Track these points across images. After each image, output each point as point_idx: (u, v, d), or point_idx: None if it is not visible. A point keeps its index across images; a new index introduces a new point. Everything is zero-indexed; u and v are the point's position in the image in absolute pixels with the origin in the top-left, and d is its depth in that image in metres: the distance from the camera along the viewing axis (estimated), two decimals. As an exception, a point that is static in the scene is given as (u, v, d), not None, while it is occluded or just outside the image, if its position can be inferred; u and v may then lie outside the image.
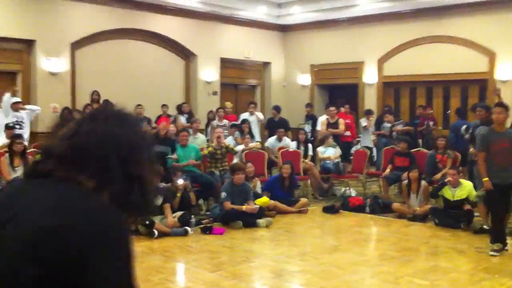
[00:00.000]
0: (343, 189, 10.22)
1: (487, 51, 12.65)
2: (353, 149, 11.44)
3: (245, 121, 11.67)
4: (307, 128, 12.12)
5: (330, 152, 10.38)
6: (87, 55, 12.12)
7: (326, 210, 8.74)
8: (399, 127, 11.39)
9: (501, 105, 6.45)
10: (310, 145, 10.75)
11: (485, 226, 7.22)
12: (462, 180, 7.75)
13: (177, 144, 8.92)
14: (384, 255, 6.56)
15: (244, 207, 7.63)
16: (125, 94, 11.60)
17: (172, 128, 9.71)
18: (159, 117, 11.56)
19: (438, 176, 8.83)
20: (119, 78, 12.43)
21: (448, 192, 7.73)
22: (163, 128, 9.22)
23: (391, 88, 14.81)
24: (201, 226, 7.30)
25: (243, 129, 11.09)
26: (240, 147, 10.12)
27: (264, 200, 8.15)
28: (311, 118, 12.46)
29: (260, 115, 12.57)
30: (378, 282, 5.43)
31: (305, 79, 15.81)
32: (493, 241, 6.31)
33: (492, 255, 6.20)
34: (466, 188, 7.64)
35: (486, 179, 6.25)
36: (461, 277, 5.69)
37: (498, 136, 6.23)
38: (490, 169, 6.25)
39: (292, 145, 10.68)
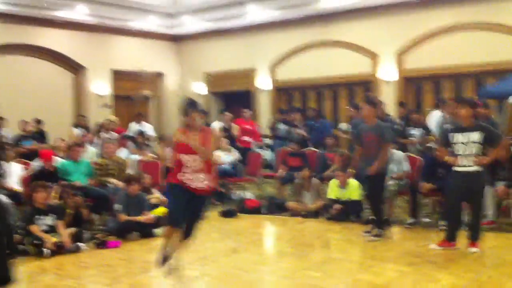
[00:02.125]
0: (239, 192, 10.36)
1: (371, 54, 13.40)
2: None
3: (140, 132, 11.55)
4: None
5: (225, 157, 10.47)
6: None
7: (224, 214, 8.83)
8: (299, 130, 11.73)
9: (368, 102, 7.05)
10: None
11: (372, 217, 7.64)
12: (350, 180, 8.14)
13: (66, 160, 8.61)
14: (281, 252, 6.76)
15: (140, 218, 7.51)
16: (15, 109, 11.13)
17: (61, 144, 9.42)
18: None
19: (329, 173, 9.21)
20: (9, 93, 11.89)
21: (336, 192, 8.11)
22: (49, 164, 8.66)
23: (283, 93, 15.25)
24: (96, 241, 7.10)
25: (136, 140, 10.95)
26: (134, 158, 9.97)
27: (161, 210, 8.07)
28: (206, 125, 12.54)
29: (149, 127, 12.55)
30: (276, 278, 5.59)
31: (200, 87, 15.88)
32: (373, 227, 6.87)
33: (370, 240, 6.69)
34: (353, 188, 8.05)
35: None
36: (352, 266, 5.99)
37: (368, 130, 6.77)
38: (361, 160, 6.80)
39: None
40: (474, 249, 5.94)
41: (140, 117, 12.81)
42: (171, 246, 5.19)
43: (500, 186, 7.03)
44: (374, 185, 6.79)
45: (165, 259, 5.24)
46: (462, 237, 6.18)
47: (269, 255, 6.96)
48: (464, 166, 5.92)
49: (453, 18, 12.23)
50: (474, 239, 6.02)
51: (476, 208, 6.10)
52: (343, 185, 8.09)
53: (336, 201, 8.09)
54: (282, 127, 12.11)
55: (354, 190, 8.03)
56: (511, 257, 5.82)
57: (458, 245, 6.16)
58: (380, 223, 6.91)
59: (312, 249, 6.76)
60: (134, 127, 12.36)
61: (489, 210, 7.10)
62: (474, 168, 5.88)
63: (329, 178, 8.72)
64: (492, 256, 5.88)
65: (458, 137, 5.95)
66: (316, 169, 9.28)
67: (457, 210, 6.22)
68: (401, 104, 11.31)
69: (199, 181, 5.06)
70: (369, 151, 6.75)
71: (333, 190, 8.21)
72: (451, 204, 6.22)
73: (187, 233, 5.27)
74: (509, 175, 7.11)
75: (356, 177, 7.10)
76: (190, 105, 5.15)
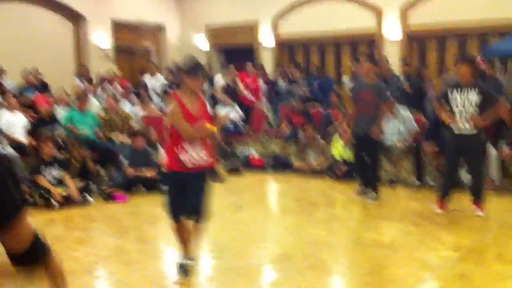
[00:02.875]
0: (244, 149, 10.38)
1: (375, 9, 13.18)
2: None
3: (143, 86, 11.45)
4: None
5: (226, 111, 10.40)
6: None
7: (229, 170, 8.88)
8: (304, 89, 11.63)
9: (368, 58, 6.99)
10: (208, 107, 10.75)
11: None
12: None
13: (72, 110, 8.57)
14: (285, 209, 6.85)
15: (147, 173, 7.56)
16: (15, 59, 10.98)
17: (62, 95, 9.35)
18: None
19: (332, 129, 9.19)
20: (8, 43, 11.68)
21: (341, 151, 8.14)
22: (46, 111, 8.60)
23: (286, 48, 15.07)
24: (103, 194, 7.16)
25: (141, 94, 10.85)
26: (138, 112, 9.93)
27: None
28: (208, 79, 12.42)
29: (161, 78, 12.31)
30: (280, 234, 5.67)
31: (202, 41, 15.67)
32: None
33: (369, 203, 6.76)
34: None
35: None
36: (357, 224, 6.08)
37: (366, 87, 6.72)
38: (357, 118, 6.76)
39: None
40: (479, 212, 5.98)
41: (154, 68, 12.52)
42: (183, 241, 4.48)
43: (506, 148, 7.04)
44: (372, 145, 6.73)
45: (182, 266, 4.44)
46: (466, 200, 6.25)
47: (273, 211, 7.04)
48: (462, 128, 5.88)
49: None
50: (478, 200, 6.05)
51: (476, 169, 6.10)
52: (347, 144, 8.09)
53: (342, 161, 8.11)
54: (281, 83, 12.02)
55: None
56: (516, 220, 5.91)
57: (461, 207, 6.24)
58: (376, 185, 6.88)
59: (317, 207, 6.83)
60: (148, 79, 12.08)
61: (495, 173, 7.14)
62: (471, 130, 5.85)
63: (333, 134, 8.71)
64: (497, 218, 5.96)
65: (457, 96, 5.88)
66: (321, 127, 9.29)
67: (452, 169, 6.21)
68: (404, 61, 11.20)
69: (199, 156, 4.28)
70: (366, 110, 6.66)
71: (337, 149, 8.23)
72: (449, 163, 6.21)
73: (194, 217, 4.42)
74: (514, 137, 7.12)
75: (352, 135, 6.99)
76: (196, 67, 4.23)
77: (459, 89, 5.88)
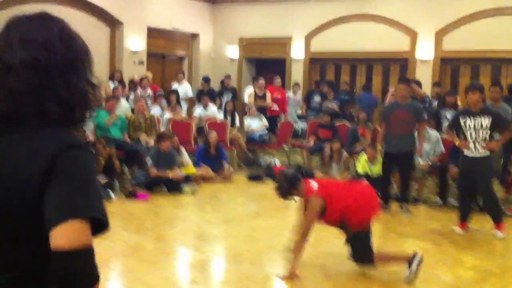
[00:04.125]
0: (267, 159, 10.41)
1: (409, 31, 13.16)
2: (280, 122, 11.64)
3: (174, 91, 11.60)
4: (225, 99, 12.18)
5: (255, 124, 10.54)
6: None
7: (251, 178, 8.92)
8: (330, 104, 11.69)
9: (404, 81, 7.16)
10: (237, 116, 10.87)
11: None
12: (379, 156, 8.11)
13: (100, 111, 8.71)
14: (304, 221, 6.80)
15: (170, 174, 7.64)
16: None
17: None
18: None
19: (359, 147, 9.19)
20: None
21: (365, 167, 8.10)
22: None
23: (318, 64, 15.12)
24: (126, 191, 7.26)
25: (170, 99, 11.00)
26: (166, 116, 10.07)
27: (190, 169, 8.22)
28: (230, 90, 12.59)
29: (188, 87, 12.50)
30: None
31: (234, 51, 15.83)
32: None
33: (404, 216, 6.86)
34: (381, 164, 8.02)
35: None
36: (376, 239, 5.97)
37: (401, 107, 6.84)
38: (390, 137, 6.90)
39: (219, 115, 10.73)
40: (498, 233, 5.90)
41: (181, 76, 12.75)
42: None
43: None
44: (406, 163, 6.93)
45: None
46: (487, 222, 6.15)
47: (292, 221, 7.01)
48: (475, 151, 5.95)
49: (495, 1, 11.92)
50: (497, 221, 6.00)
51: (486, 192, 6.11)
52: (372, 160, 8.05)
53: (364, 176, 8.07)
54: (316, 99, 12.11)
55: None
56: (538, 246, 5.79)
57: (481, 229, 6.18)
58: (407, 200, 7.08)
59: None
60: (174, 86, 12.31)
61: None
62: (484, 153, 5.92)
63: (359, 153, 8.71)
64: (518, 242, 5.85)
65: (468, 123, 5.97)
66: (346, 143, 9.27)
67: (466, 192, 6.23)
68: (436, 84, 11.14)
69: None
70: (400, 129, 6.80)
71: (361, 164, 8.18)
72: (463, 187, 6.25)
73: None
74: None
75: (384, 154, 7.10)
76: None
77: (471, 115, 5.98)
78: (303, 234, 4.38)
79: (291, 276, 4.40)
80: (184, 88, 12.12)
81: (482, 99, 6.09)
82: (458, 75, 13.19)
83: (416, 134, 7.11)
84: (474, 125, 5.92)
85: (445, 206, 7.35)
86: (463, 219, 6.20)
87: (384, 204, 6.89)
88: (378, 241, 5.94)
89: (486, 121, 5.89)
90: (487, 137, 5.90)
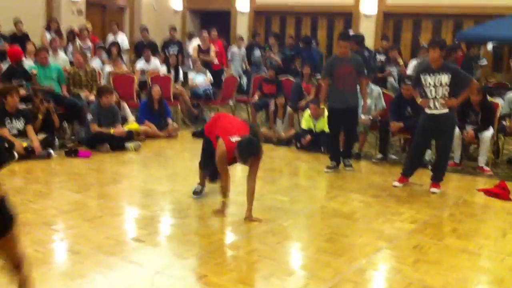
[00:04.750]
0: (212, 114, 10.33)
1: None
2: (223, 76, 11.53)
3: (114, 43, 11.23)
4: (170, 53, 11.91)
5: (200, 78, 10.41)
6: None
7: (196, 134, 8.84)
8: (272, 55, 11.64)
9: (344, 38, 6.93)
10: (180, 70, 10.68)
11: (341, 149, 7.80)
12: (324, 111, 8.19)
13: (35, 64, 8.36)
14: (250, 176, 6.85)
15: (112, 130, 7.48)
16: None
17: (29, 47, 9.06)
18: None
19: (303, 103, 9.26)
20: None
21: (309, 123, 8.18)
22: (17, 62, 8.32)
23: (263, 17, 14.96)
24: (66, 149, 7.06)
25: (111, 51, 10.65)
26: (107, 69, 9.78)
27: (133, 125, 8.06)
28: (176, 44, 12.31)
29: (124, 39, 12.13)
30: (245, 199, 5.68)
31: (177, 3, 15.41)
32: (330, 159, 7.06)
33: (325, 172, 6.89)
34: (325, 120, 8.10)
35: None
36: (318, 193, 6.16)
37: (344, 62, 6.76)
38: (334, 93, 6.82)
39: (162, 70, 10.51)
40: (435, 190, 6.13)
41: (116, 27, 12.37)
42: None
43: (469, 130, 7.20)
44: (350, 119, 6.91)
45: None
46: (426, 176, 6.39)
47: (238, 177, 7.05)
48: (434, 108, 5.98)
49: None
50: (436, 180, 6.20)
51: (443, 150, 6.24)
52: (316, 116, 8.14)
53: (308, 131, 8.17)
54: (256, 53, 11.97)
55: (326, 121, 8.10)
56: (473, 198, 6.07)
57: (420, 183, 6.39)
58: (351, 155, 7.16)
59: (281, 175, 6.88)
60: (110, 38, 11.95)
61: (456, 153, 7.31)
62: (443, 110, 5.96)
63: (303, 108, 8.78)
64: (454, 195, 6.11)
65: (428, 80, 5.98)
66: (291, 98, 9.30)
67: (420, 150, 6.38)
68: (384, 38, 11.28)
69: None
70: (344, 85, 6.74)
71: (306, 120, 8.27)
72: (417, 144, 6.34)
73: None
74: (478, 119, 7.27)
75: (331, 110, 7.06)
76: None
77: (430, 73, 5.96)
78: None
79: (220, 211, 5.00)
80: (120, 40, 11.74)
81: (443, 56, 5.99)
82: (401, 30, 13.39)
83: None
84: (434, 82, 5.91)
85: (386, 161, 7.56)
86: (407, 175, 6.39)
87: (334, 162, 6.99)
88: (319, 193, 6.10)
89: (445, 78, 5.86)
90: (447, 94, 5.89)
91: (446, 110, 5.96)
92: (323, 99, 7.05)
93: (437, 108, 5.96)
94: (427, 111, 6.06)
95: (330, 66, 6.89)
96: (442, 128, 6.04)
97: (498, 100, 7.99)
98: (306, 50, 11.49)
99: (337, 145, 7.12)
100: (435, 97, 5.95)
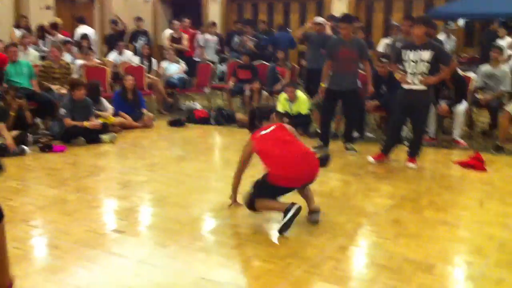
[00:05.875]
0: (188, 103, 10.30)
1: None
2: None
3: (85, 36, 11.09)
4: (139, 44, 11.79)
5: (174, 68, 10.34)
6: None
7: (172, 123, 8.80)
8: (250, 43, 11.60)
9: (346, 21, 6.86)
10: (154, 60, 10.58)
11: (318, 130, 7.84)
12: (299, 94, 8.20)
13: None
14: (228, 161, 6.82)
15: (86, 123, 7.39)
16: None
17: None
18: None
19: (278, 86, 9.26)
20: None
21: (285, 106, 8.19)
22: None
23: (235, 4, 14.88)
24: (40, 144, 6.96)
25: (81, 45, 10.52)
26: (79, 62, 9.65)
27: (108, 118, 7.98)
28: (143, 34, 12.19)
29: (91, 31, 11.96)
30: (223, 185, 5.67)
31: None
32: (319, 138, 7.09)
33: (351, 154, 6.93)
34: (301, 102, 8.14)
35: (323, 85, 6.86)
36: (298, 175, 6.17)
37: (345, 45, 6.71)
38: (335, 76, 6.78)
39: (135, 60, 10.41)
40: (411, 165, 6.20)
41: (81, 21, 12.19)
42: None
43: (443, 104, 7.28)
44: (349, 102, 6.90)
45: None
46: (403, 152, 6.45)
47: (216, 163, 7.05)
48: (412, 84, 6.03)
49: None
50: (413, 155, 6.27)
51: (419, 126, 6.30)
52: (292, 99, 8.15)
53: (285, 114, 8.17)
54: (236, 39, 11.96)
55: (302, 104, 8.13)
56: (449, 171, 6.15)
57: (397, 159, 6.45)
58: (352, 139, 7.11)
59: (258, 159, 6.86)
60: (78, 31, 11.79)
61: (431, 127, 7.40)
62: (421, 86, 6.00)
63: (279, 92, 8.78)
64: (431, 170, 6.19)
65: (409, 55, 6.01)
66: (266, 82, 9.29)
67: (398, 126, 6.44)
68: (356, 19, 11.26)
69: None
70: (344, 67, 6.71)
71: (282, 104, 8.27)
72: (394, 120, 6.40)
73: None
74: (451, 94, 7.36)
75: (326, 91, 7.01)
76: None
77: (412, 49, 6.00)
78: (237, 169, 4.67)
79: (233, 204, 4.72)
80: (89, 33, 11.57)
81: (426, 33, 6.04)
82: (373, 11, 13.42)
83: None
84: (415, 58, 5.94)
85: (363, 140, 7.60)
86: (385, 152, 6.43)
87: (323, 143, 7.01)
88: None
89: (427, 55, 5.89)
90: (426, 71, 5.93)
91: (423, 87, 6.00)
92: (323, 80, 6.99)
93: (415, 83, 6.00)
94: (405, 86, 6.09)
95: (331, 48, 6.84)
96: (418, 104, 6.08)
97: (471, 74, 8.09)
98: (281, 35, 11.50)
99: (327, 126, 7.12)
100: (414, 72, 5.98)
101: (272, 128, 4.56)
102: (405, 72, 6.05)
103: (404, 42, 6.87)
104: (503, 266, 3.64)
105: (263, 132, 4.54)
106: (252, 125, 4.74)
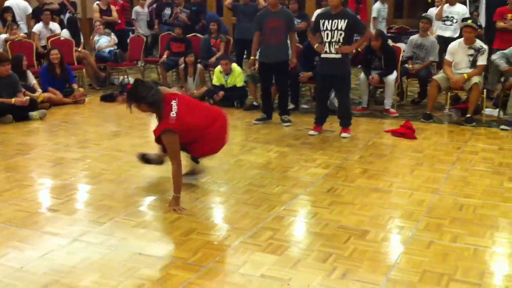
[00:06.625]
0: (121, 77, 10.05)
1: None
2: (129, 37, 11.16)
3: (7, 8, 10.50)
4: (67, 17, 11.35)
5: (104, 41, 10.03)
6: None
7: (105, 98, 8.58)
8: (182, 15, 11.36)
9: None
10: (81, 34, 10.22)
11: (254, 103, 7.87)
12: (234, 66, 8.16)
13: None
14: (164, 136, 6.76)
15: (13, 100, 7.09)
16: None
17: None
18: None
19: (213, 59, 9.18)
20: None
21: (221, 79, 8.14)
22: None
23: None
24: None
25: (5, 18, 9.99)
26: (2, 37, 9.19)
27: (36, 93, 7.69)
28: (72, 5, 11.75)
29: (24, 4, 11.33)
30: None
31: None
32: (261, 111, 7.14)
33: (254, 123, 7.00)
34: (237, 75, 8.11)
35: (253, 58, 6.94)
36: (235, 147, 6.18)
37: (272, 15, 6.69)
38: (264, 47, 6.78)
39: (64, 33, 10.01)
40: (345, 135, 6.35)
41: None
42: None
43: (374, 75, 7.45)
44: (280, 74, 6.88)
45: None
46: (337, 123, 6.58)
47: (150, 138, 6.93)
48: (329, 52, 6.16)
49: None
50: (345, 125, 6.42)
51: (341, 95, 6.46)
52: (227, 71, 8.11)
53: (220, 87, 8.13)
54: (167, 12, 11.66)
55: (237, 76, 8.10)
56: (381, 140, 6.34)
57: (332, 129, 6.59)
58: (287, 111, 7.11)
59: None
60: (7, 3, 11.06)
61: (363, 97, 7.58)
62: (337, 55, 6.14)
63: (214, 65, 8.71)
64: (364, 139, 6.35)
65: (326, 24, 6.13)
66: (201, 55, 9.18)
67: (323, 96, 6.57)
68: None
69: None
70: (273, 38, 6.68)
71: (217, 76, 8.22)
72: (318, 90, 6.57)
73: None
74: (382, 64, 7.54)
75: (260, 64, 6.97)
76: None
77: (328, 18, 6.11)
78: (176, 165, 4.15)
79: (177, 209, 4.17)
80: (22, 6, 10.93)
81: (342, 2, 6.18)
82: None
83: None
84: (331, 27, 6.06)
85: (298, 111, 7.70)
86: (319, 123, 6.54)
87: (266, 115, 7.04)
88: (234, 147, 6.09)
89: (342, 24, 6.02)
90: (341, 39, 6.05)
91: (339, 56, 6.13)
92: (254, 53, 6.95)
93: (331, 52, 6.14)
94: (322, 55, 6.25)
95: (259, 19, 6.79)
96: (335, 73, 6.20)
97: (400, 45, 8.31)
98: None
99: (268, 97, 7.13)
100: (330, 41, 6.12)
101: (175, 101, 4.18)
102: (324, 42, 6.17)
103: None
104: (433, 229, 3.81)
105: (174, 112, 4.12)
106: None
